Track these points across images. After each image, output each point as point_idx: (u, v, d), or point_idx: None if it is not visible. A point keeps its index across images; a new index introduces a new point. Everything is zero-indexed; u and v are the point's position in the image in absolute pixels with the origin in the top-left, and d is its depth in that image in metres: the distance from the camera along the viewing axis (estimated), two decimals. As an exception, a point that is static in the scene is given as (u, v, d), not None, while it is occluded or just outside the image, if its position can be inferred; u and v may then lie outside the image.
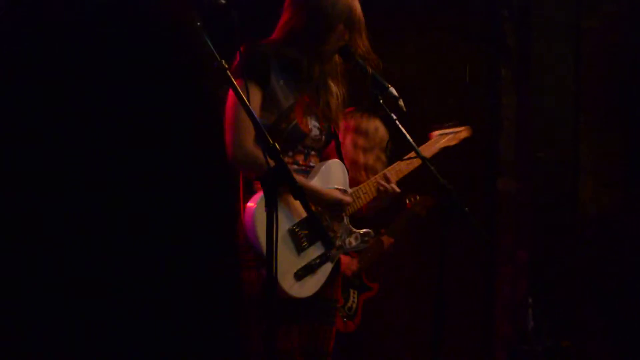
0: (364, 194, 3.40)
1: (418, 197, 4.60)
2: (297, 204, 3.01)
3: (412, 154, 3.25)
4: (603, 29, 5.45)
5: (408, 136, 3.10)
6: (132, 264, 4.48)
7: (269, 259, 2.27)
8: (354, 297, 4.43)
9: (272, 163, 2.37)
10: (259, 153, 2.97)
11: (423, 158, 3.11)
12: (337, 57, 3.24)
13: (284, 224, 3.04)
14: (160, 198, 4.56)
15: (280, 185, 2.35)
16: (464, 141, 3.87)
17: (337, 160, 3.33)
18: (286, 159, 3.12)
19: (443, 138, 3.80)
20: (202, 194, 4.61)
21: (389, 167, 3.50)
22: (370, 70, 3.15)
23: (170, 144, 4.61)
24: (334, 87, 3.26)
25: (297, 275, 3.07)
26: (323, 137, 3.27)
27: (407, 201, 4.61)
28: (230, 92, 3.02)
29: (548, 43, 5.53)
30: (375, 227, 3.47)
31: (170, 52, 4.50)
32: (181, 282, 4.61)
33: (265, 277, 2.42)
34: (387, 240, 4.55)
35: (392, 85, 3.14)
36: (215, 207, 4.40)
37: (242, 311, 3.15)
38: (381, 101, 3.10)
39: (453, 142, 3.82)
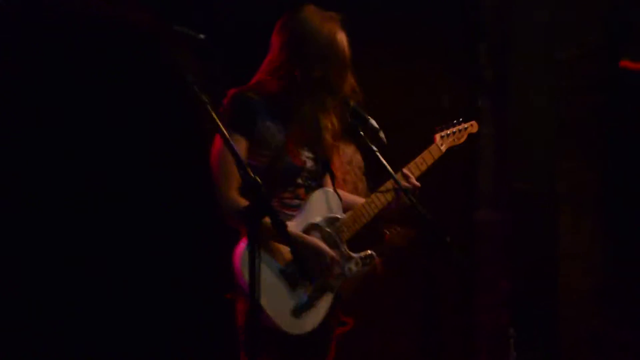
0: (368, 210, 3.28)
1: (398, 229, 4.54)
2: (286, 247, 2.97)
3: (389, 184, 3.24)
4: (580, 59, 5.49)
5: (389, 167, 3.10)
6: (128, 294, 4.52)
7: (252, 294, 2.23)
8: None
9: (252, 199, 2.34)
10: (243, 203, 2.89)
11: (404, 190, 3.11)
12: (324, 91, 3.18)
13: (274, 267, 3.02)
14: (159, 224, 4.59)
15: (262, 219, 2.31)
16: (471, 137, 3.75)
17: (322, 189, 3.26)
18: (287, 195, 3.14)
19: (448, 138, 3.69)
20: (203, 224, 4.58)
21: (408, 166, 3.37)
22: (351, 102, 3.14)
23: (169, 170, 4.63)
24: (324, 121, 3.20)
25: (295, 313, 3.04)
26: (319, 166, 3.25)
27: (386, 232, 4.55)
28: (215, 139, 3.03)
29: (526, 74, 5.56)
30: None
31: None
32: (175, 309, 4.61)
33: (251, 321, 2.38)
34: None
35: (370, 117, 3.14)
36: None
37: (236, 340, 3.11)
38: (361, 133, 3.08)
39: (460, 141, 3.65)
